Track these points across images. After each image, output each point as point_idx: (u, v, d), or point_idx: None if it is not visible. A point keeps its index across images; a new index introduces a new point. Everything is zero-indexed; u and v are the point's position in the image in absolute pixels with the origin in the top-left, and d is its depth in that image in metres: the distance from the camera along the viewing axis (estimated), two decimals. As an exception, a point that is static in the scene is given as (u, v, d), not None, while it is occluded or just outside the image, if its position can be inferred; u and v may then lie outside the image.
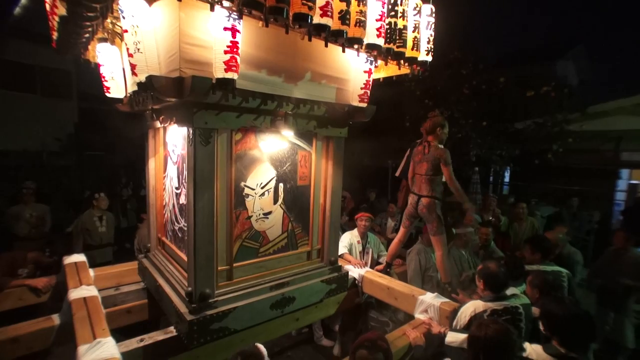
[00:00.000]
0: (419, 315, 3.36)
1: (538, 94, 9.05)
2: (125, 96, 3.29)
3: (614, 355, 4.60)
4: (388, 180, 11.83)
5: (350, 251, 4.58)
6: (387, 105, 10.21)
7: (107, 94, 3.24)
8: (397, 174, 5.29)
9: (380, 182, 12.25)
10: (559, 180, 10.84)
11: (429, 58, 3.13)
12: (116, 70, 3.17)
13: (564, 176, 10.78)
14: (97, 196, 5.56)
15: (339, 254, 4.22)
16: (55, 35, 2.75)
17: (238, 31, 2.24)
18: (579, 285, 4.99)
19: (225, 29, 2.20)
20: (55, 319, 2.98)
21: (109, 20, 2.66)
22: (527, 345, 2.44)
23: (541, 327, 2.44)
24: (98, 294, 3.09)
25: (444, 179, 4.38)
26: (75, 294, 3.01)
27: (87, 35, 2.52)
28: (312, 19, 2.21)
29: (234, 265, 2.93)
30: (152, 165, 3.59)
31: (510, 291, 3.08)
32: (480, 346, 2.10)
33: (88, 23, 2.26)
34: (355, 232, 4.80)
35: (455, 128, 9.14)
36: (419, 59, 3.08)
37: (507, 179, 13.50)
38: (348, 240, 4.66)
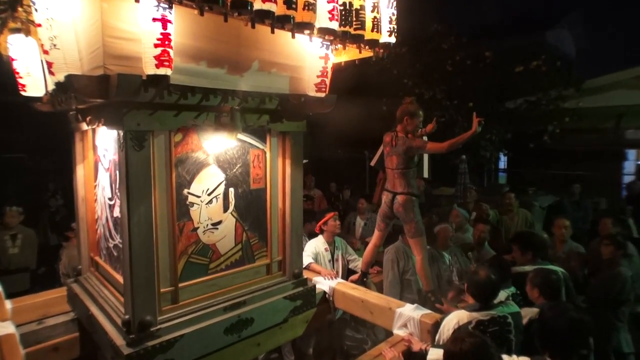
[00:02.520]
0: (398, 331, 3.50)
1: (528, 69, 9.39)
2: (46, 94, 3.31)
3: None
4: (365, 173, 12.01)
5: (316, 261, 4.69)
6: (361, 88, 10.40)
7: (23, 92, 3.26)
8: (372, 163, 5.41)
9: (357, 175, 12.43)
10: (558, 165, 11.27)
11: (392, 39, 3.28)
12: (33, 64, 3.18)
13: (564, 160, 11.22)
14: (6, 210, 5.43)
15: (304, 264, 4.32)
16: None
17: (169, 21, 2.33)
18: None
19: (155, 19, 2.28)
20: None
21: (21, 9, 2.70)
22: (514, 358, 2.59)
23: (535, 336, 2.58)
24: (15, 330, 2.99)
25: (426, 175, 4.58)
26: (-19, 334, 2.91)
27: (-7, 26, 2.56)
28: (252, 6, 2.33)
29: (180, 285, 3.01)
30: (81, 172, 3.62)
31: (497, 297, 3.26)
32: None
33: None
34: (321, 238, 4.91)
35: (439, 111, 9.38)
36: (381, 41, 3.22)
37: (502, 166, 13.95)
38: (313, 248, 4.76)
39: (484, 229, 5.30)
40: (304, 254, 4.48)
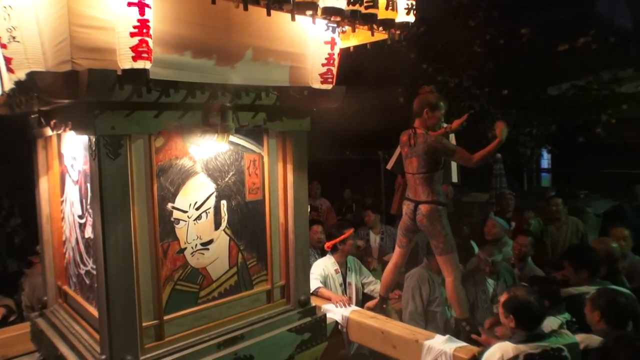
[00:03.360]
0: (427, 369, 3.53)
1: (575, 48, 9.39)
2: (3, 95, 3.30)
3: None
4: (380, 178, 12.01)
5: (325, 285, 4.71)
6: (373, 77, 10.39)
7: None
8: (388, 166, 5.44)
9: (371, 181, 12.42)
10: (615, 162, 11.20)
11: (411, 18, 3.32)
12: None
13: (622, 156, 11.14)
14: None
15: (312, 289, 4.35)
16: None
17: (147, 5, 2.37)
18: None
19: (130, 4, 2.32)
20: None
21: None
22: None
23: None
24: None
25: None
26: None
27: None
28: (243, -16, 2.39)
29: (165, 318, 3.04)
30: (44, 186, 3.66)
31: (548, 325, 3.27)
32: None
33: None
34: (331, 258, 4.93)
35: (467, 102, 9.41)
36: (397, 20, 3.27)
37: (545, 166, 13.90)
38: (321, 270, 4.79)
39: (525, 242, 5.29)
40: (311, 276, 4.50)
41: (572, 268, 4.07)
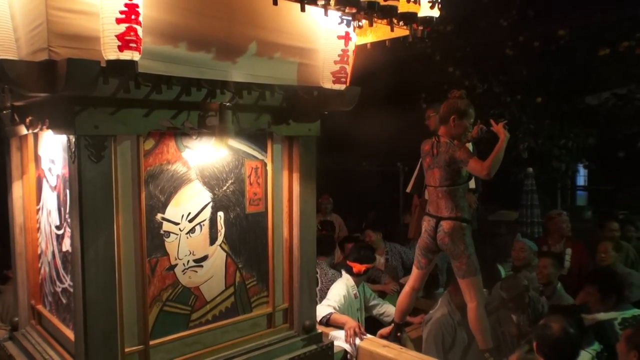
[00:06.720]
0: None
1: (617, 53, 9.30)
2: None
3: None
4: (399, 192, 11.96)
5: (348, 314, 4.62)
6: (391, 79, 10.36)
7: None
8: (408, 189, 5.42)
9: (389, 195, 12.38)
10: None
11: (435, 13, 3.24)
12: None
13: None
14: None
15: (324, 315, 4.34)
16: None
17: (137, -12, 2.31)
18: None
19: (116, -15, 2.27)
20: None
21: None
22: None
23: None
24: None
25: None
26: None
27: None
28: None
29: (151, 343, 2.97)
30: (18, 192, 3.59)
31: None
32: None
33: None
34: (350, 280, 4.87)
35: (496, 109, 9.35)
36: (420, 15, 3.19)
37: (581, 183, 13.78)
38: (341, 296, 4.69)
39: (547, 262, 5.21)
40: (326, 302, 4.43)
41: (599, 294, 4.10)
